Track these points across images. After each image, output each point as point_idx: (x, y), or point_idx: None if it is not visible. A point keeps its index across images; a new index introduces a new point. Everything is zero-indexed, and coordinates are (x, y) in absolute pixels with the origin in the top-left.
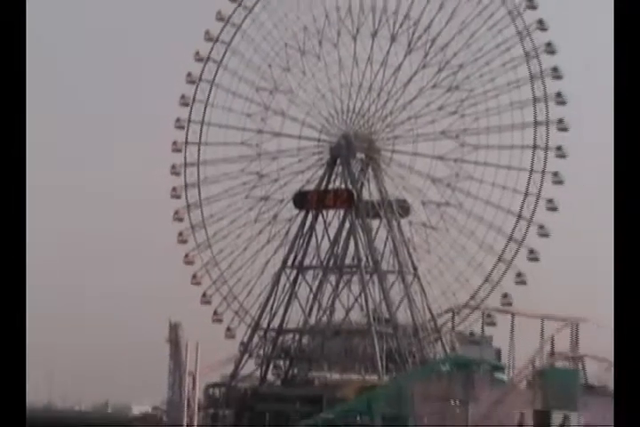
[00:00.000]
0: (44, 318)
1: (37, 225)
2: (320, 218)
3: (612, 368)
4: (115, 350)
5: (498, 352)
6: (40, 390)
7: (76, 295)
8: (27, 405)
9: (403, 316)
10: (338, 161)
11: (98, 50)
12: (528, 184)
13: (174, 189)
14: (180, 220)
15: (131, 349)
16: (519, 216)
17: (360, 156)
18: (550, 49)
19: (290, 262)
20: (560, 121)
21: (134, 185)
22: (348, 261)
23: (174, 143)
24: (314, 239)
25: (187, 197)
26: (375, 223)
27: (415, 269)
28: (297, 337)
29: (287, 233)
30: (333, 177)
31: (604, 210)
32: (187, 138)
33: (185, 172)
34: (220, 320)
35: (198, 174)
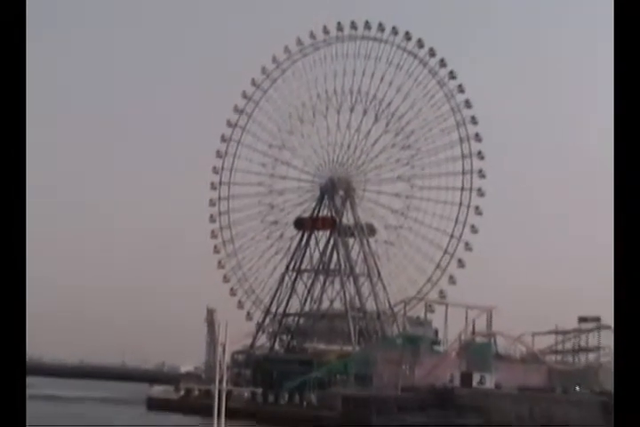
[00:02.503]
0: (125, 299)
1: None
2: (313, 236)
3: (517, 343)
4: (170, 328)
5: (435, 331)
6: (117, 352)
7: (151, 294)
8: (107, 362)
9: (370, 305)
10: (325, 197)
11: (160, 117)
12: (458, 214)
13: (211, 216)
14: (215, 237)
15: (181, 327)
16: (451, 236)
17: (341, 193)
18: (474, 120)
19: (291, 267)
20: (480, 171)
21: (187, 214)
22: (332, 266)
23: (212, 184)
24: (308, 251)
25: (220, 222)
26: (351, 241)
27: (379, 273)
28: (296, 319)
29: (289, 247)
30: (322, 208)
31: (511, 232)
32: (220, 180)
33: (219, 204)
34: (242, 307)
35: (228, 206)
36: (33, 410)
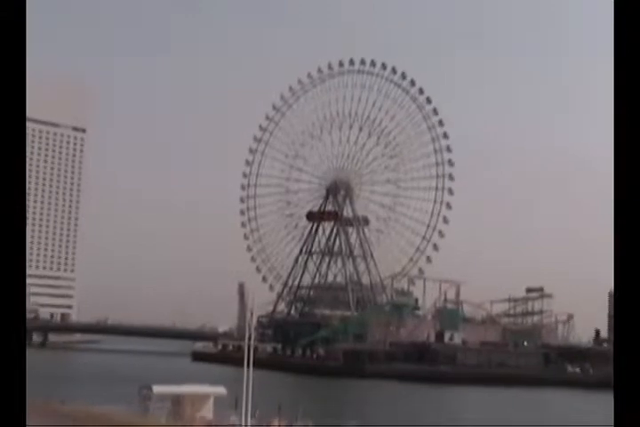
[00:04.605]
0: (176, 274)
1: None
2: (320, 226)
3: (479, 309)
4: (210, 297)
5: (416, 300)
6: (168, 315)
7: (195, 271)
8: (160, 323)
9: (365, 279)
10: (330, 195)
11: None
12: (433, 208)
13: (241, 210)
14: (244, 226)
15: (218, 297)
16: (428, 226)
17: (342, 192)
18: (445, 136)
19: (304, 250)
20: (450, 175)
21: (222, 210)
22: (335, 249)
23: (242, 185)
24: (317, 238)
25: (248, 215)
26: (350, 229)
27: (372, 254)
28: (307, 291)
29: (302, 234)
30: (327, 204)
31: (474, 223)
32: (248, 182)
33: (247, 201)
34: (265, 281)
35: (255, 202)
36: (103, 361)
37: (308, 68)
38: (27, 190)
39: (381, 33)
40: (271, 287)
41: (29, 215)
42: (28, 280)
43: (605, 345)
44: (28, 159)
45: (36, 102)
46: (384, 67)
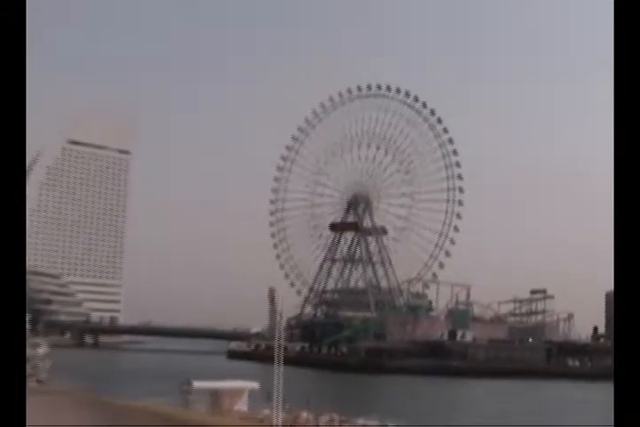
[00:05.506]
0: (213, 281)
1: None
2: (342, 236)
3: (487, 309)
4: (243, 301)
5: (430, 302)
6: (205, 318)
7: (231, 278)
8: (198, 324)
9: (384, 284)
10: (351, 208)
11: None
12: (445, 219)
13: (271, 222)
14: (274, 237)
15: (251, 300)
16: (440, 234)
17: (362, 205)
18: (455, 153)
19: (328, 258)
20: (460, 188)
21: (254, 222)
22: (356, 257)
23: (271, 200)
24: (339, 246)
25: (277, 226)
26: (369, 238)
27: (390, 261)
28: (332, 295)
29: (326, 243)
30: (349, 216)
31: (482, 231)
32: (277, 196)
33: (276, 213)
34: (293, 286)
35: (282, 215)
36: (147, 360)
37: (329, 93)
38: (78, 206)
39: (396, 60)
40: (298, 292)
41: (82, 231)
42: (81, 288)
43: (602, 341)
44: (78, 179)
45: (86, 128)
46: (398, 91)
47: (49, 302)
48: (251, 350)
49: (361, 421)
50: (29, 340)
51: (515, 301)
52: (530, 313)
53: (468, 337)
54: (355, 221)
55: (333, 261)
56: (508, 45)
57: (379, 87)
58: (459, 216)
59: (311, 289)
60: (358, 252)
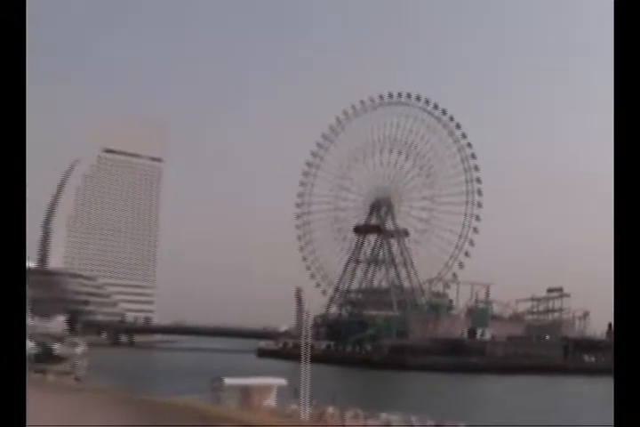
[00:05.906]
0: (244, 282)
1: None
2: (366, 238)
3: (506, 307)
4: (272, 301)
5: (450, 301)
6: (235, 317)
7: (260, 279)
8: (229, 324)
9: (406, 284)
10: (374, 211)
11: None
12: (464, 221)
13: (297, 225)
14: (300, 240)
15: (279, 300)
16: (460, 236)
17: (384, 208)
18: (474, 156)
19: (352, 259)
20: (479, 190)
21: (282, 225)
22: (379, 258)
23: (297, 204)
24: (363, 248)
25: (303, 229)
26: (392, 240)
27: (411, 262)
28: (356, 294)
29: (350, 246)
30: (372, 218)
31: (501, 232)
32: (302, 200)
33: (302, 217)
34: (319, 286)
35: (308, 218)
36: (181, 358)
37: (352, 101)
38: (113, 211)
39: (417, 69)
40: (324, 292)
41: (117, 235)
42: (116, 289)
43: None
44: (113, 185)
45: (120, 137)
46: (418, 98)
47: (86, 302)
48: (279, 349)
49: (384, 415)
50: (68, 339)
51: (532, 299)
52: (547, 311)
53: (488, 335)
54: (377, 223)
55: (357, 262)
56: (514, 45)
57: (399, 95)
58: (478, 218)
59: (336, 289)
60: (381, 253)
